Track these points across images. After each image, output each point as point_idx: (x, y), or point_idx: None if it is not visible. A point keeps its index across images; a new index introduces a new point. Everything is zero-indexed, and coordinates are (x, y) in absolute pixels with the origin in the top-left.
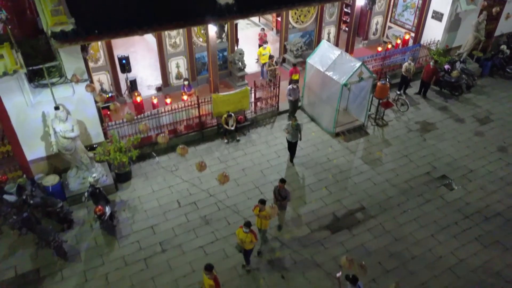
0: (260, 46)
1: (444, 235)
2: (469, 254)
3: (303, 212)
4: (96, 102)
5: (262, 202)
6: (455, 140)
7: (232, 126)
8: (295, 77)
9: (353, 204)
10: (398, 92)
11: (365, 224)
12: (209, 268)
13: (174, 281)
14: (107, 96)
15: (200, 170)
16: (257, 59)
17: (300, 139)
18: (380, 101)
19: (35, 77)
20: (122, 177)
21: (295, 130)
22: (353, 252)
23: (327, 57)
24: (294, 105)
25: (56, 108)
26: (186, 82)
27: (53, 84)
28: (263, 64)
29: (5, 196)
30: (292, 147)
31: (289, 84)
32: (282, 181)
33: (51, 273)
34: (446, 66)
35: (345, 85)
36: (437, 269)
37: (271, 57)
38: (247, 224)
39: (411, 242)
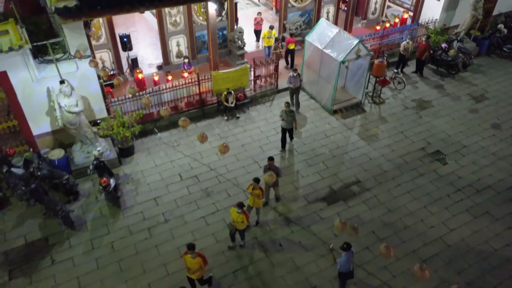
0: (255, 30)
1: (436, 206)
2: (460, 224)
3: (300, 185)
4: (99, 78)
5: (256, 180)
6: (450, 117)
7: (231, 103)
8: (291, 46)
9: (349, 178)
10: (395, 70)
11: (361, 197)
12: (192, 247)
13: (176, 249)
14: (109, 73)
15: (202, 141)
16: (257, 40)
17: (295, 129)
18: (377, 79)
19: (39, 54)
20: (125, 151)
21: (289, 117)
22: (348, 222)
23: (325, 35)
24: (294, 93)
25: (62, 82)
26: (186, 60)
27: (57, 60)
28: (267, 47)
29: (13, 169)
30: (288, 133)
31: (285, 55)
32: (271, 159)
33: (60, 241)
34: (443, 45)
35: (343, 62)
36: (428, 238)
37: (277, 39)
38: (240, 205)
39: (404, 213)
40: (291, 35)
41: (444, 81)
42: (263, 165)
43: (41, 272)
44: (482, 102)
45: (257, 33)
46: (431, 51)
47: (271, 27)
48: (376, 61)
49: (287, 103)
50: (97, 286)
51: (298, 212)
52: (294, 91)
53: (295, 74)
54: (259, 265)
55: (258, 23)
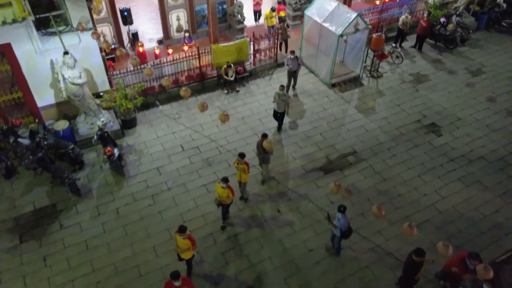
0: (255, 11)
1: (429, 176)
2: (451, 192)
3: (298, 155)
4: (101, 50)
5: (241, 155)
6: (446, 91)
7: (231, 76)
8: (282, 13)
9: (346, 149)
10: (394, 45)
11: (356, 166)
12: (183, 229)
13: (179, 215)
14: (111, 47)
15: (202, 110)
16: (255, 20)
17: (287, 114)
18: (375, 53)
19: (41, 27)
20: (127, 123)
21: (281, 100)
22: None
23: (324, 9)
24: (291, 76)
25: (66, 53)
26: (187, 34)
27: (60, 32)
28: (270, 27)
29: (20, 140)
30: (279, 117)
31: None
32: (264, 135)
33: (67, 207)
34: (442, 20)
35: (341, 36)
36: (421, 205)
37: (283, 20)
38: (224, 180)
39: (399, 182)
40: (279, 2)
41: (442, 56)
42: (257, 141)
43: (50, 236)
44: (479, 76)
45: (256, 13)
46: (432, 27)
47: (273, 9)
48: (374, 35)
49: (281, 86)
50: (104, 249)
51: (296, 180)
52: (292, 74)
53: (292, 57)
54: (258, 229)
55: (257, 4)
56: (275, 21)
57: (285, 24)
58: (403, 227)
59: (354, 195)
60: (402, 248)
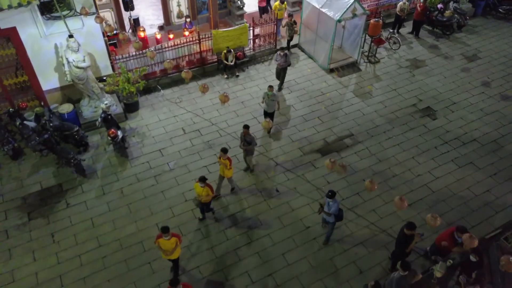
0: (260, 7)
1: (423, 157)
2: (445, 173)
3: (296, 138)
4: (104, 35)
5: (224, 151)
6: (442, 76)
7: (231, 61)
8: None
9: (343, 132)
10: (391, 31)
11: (353, 148)
12: (166, 230)
13: (181, 194)
14: (113, 32)
15: (203, 91)
16: (261, 17)
17: (278, 109)
18: (373, 38)
19: (45, 11)
20: (130, 107)
21: (271, 101)
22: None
23: None
24: (280, 72)
25: (70, 36)
26: (188, 19)
27: (64, 16)
28: (278, 20)
29: (26, 122)
30: (269, 117)
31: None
32: (246, 127)
33: (73, 187)
34: (439, 6)
35: (339, 21)
36: (415, 184)
37: (290, 15)
38: (202, 179)
39: (394, 163)
40: None
41: (439, 42)
42: (239, 134)
43: (58, 214)
44: (474, 62)
45: (261, 9)
46: (427, 12)
47: (282, 1)
48: (372, 21)
49: (270, 86)
50: (109, 226)
51: (294, 162)
52: (280, 70)
53: (282, 53)
54: (258, 208)
55: (262, 0)
56: (283, 14)
57: (292, 20)
58: (394, 200)
59: (350, 175)
60: (396, 225)
